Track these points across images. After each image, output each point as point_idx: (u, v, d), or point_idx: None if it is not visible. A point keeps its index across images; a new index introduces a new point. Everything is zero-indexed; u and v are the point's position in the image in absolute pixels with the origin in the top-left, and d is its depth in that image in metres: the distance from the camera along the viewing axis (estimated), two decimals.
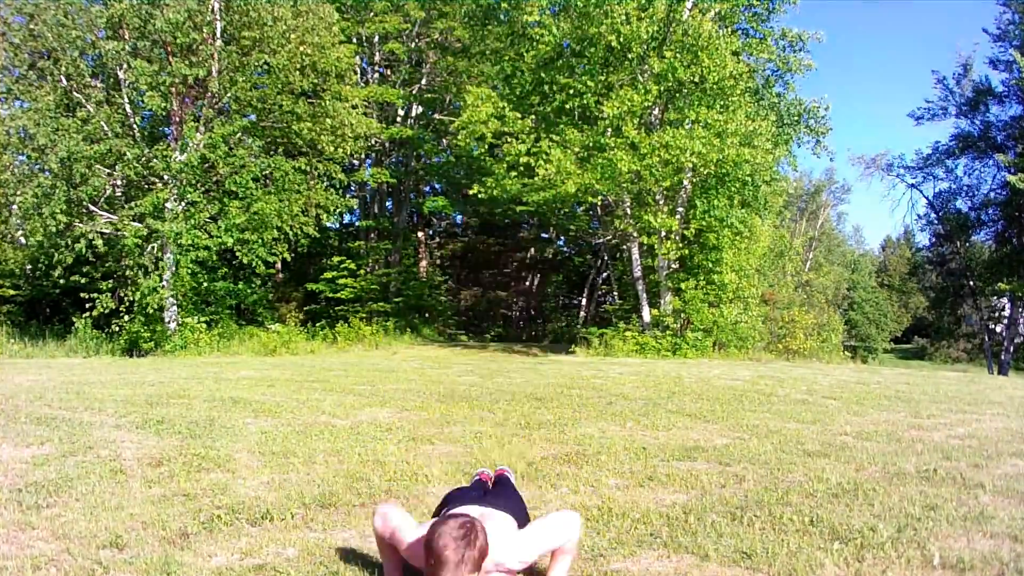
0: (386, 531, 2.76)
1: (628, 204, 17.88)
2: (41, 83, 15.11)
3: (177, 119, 16.14)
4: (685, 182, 17.12)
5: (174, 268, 15.39)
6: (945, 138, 33.44)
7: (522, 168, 17.47)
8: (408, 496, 3.87)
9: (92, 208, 15.39)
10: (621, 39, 15.85)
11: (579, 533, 2.76)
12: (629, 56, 16.45)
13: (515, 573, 2.68)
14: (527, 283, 32.56)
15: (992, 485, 4.01)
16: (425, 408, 6.72)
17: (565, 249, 32.36)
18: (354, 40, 22.29)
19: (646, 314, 17.70)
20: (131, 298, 15.40)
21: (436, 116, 25.44)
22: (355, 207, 23.39)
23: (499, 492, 3.29)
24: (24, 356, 14.32)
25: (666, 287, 17.60)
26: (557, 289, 33.20)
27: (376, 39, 23.64)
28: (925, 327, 48.92)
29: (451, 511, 2.61)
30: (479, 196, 18.98)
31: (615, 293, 26.69)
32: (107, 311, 15.35)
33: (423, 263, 27.18)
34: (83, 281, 15.90)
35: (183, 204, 15.72)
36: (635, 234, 17.71)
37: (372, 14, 22.14)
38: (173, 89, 15.69)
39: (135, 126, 16.11)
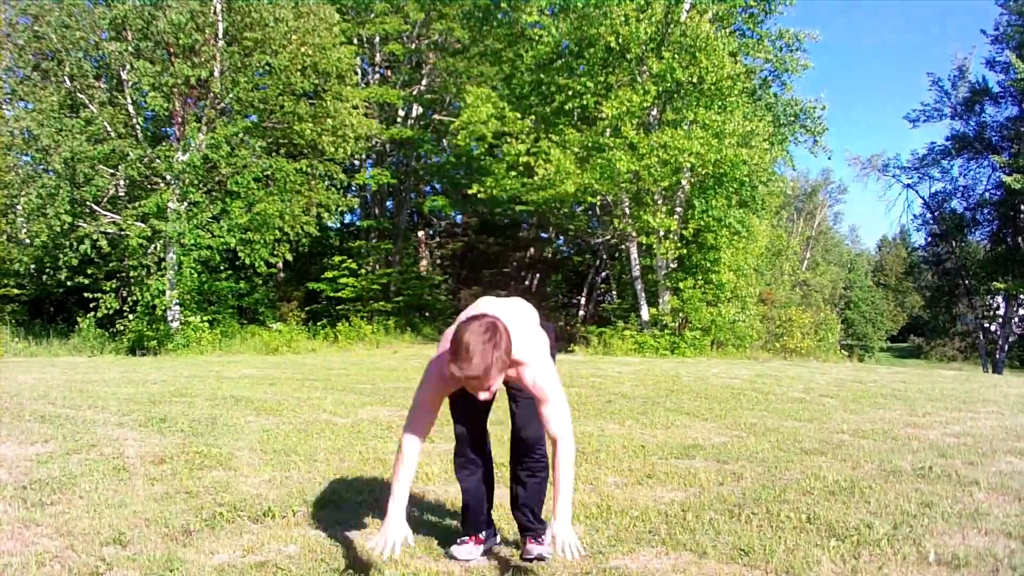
0: (422, 409, 2.71)
1: (627, 204, 17.92)
2: (45, 84, 15.14)
3: (179, 120, 16.18)
4: (683, 182, 17.16)
5: (177, 268, 15.42)
6: (941, 139, 33.50)
7: (522, 168, 17.52)
8: (412, 491, 3.89)
9: (96, 208, 15.41)
10: (620, 40, 15.89)
11: (572, 442, 2.70)
12: (628, 57, 16.49)
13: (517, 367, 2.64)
14: (527, 283, 32.57)
15: (987, 482, 4.04)
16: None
17: (564, 249, 32.37)
18: (355, 41, 22.30)
19: (645, 313, 17.73)
20: (135, 297, 15.43)
21: (436, 116, 25.46)
22: (356, 207, 23.41)
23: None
24: (28, 355, 14.34)
25: (664, 286, 17.63)
26: (556, 288, 33.21)
27: (376, 40, 23.65)
28: (921, 326, 48.95)
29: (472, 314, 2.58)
30: (479, 196, 19.01)
31: (614, 292, 26.71)
32: (111, 311, 15.38)
33: (423, 263, 27.21)
34: (87, 281, 15.93)
35: (186, 204, 15.75)
36: (634, 234, 17.75)
37: (372, 15, 22.15)
38: (176, 90, 15.72)
39: (138, 127, 16.15)
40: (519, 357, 2.60)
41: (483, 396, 2.54)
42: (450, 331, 2.61)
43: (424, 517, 3.54)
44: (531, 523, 3.01)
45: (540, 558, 2.91)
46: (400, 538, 2.61)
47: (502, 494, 3.21)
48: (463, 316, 2.65)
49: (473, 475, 3.01)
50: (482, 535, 3.06)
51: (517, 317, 2.74)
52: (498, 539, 3.17)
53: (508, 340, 2.45)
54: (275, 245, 16.88)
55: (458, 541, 3.02)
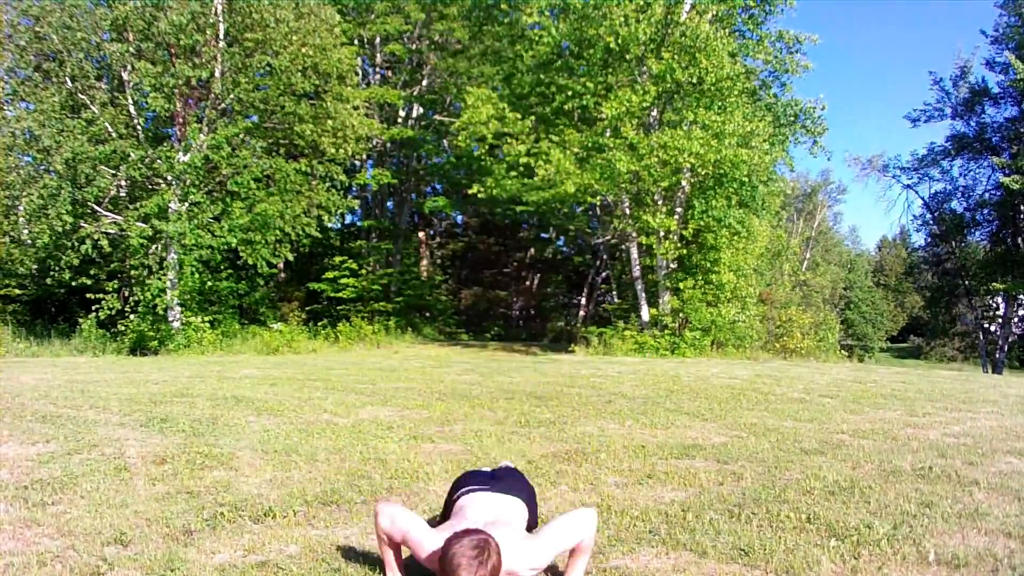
0: (395, 533, 2.77)
1: (627, 204, 17.92)
2: (46, 85, 15.15)
3: (181, 120, 16.20)
4: (683, 182, 17.16)
5: (178, 268, 15.43)
6: (941, 139, 33.48)
7: (522, 168, 17.53)
8: (409, 494, 3.91)
9: (97, 209, 15.43)
10: (620, 40, 15.89)
11: (594, 529, 2.77)
12: (627, 57, 16.49)
13: None
14: (527, 283, 32.60)
15: (986, 482, 4.05)
16: (426, 406, 6.76)
17: (564, 249, 32.40)
18: (355, 42, 22.32)
19: (645, 313, 17.73)
20: (136, 298, 15.44)
21: (437, 117, 25.48)
22: (357, 207, 23.44)
23: (504, 476, 3.31)
24: (30, 355, 14.35)
25: (664, 287, 17.64)
26: (556, 289, 33.23)
27: (377, 41, 23.67)
28: (921, 326, 48.97)
29: (465, 527, 2.63)
30: (479, 196, 19.02)
31: (614, 293, 26.73)
32: (113, 311, 15.39)
33: (424, 263, 27.22)
34: (89, 282, 15.94)
35: (187, 205, 15.76)
36: (634, 234, 17.75)
37: (373, 16, 22.17)
38: (177, 91, 15.74)
39: (139, 127, 16.16)
40: (513, 569, 2.63)
41: None
42: (442, 535, 2.65)
43: (425, 518, 3.54)
44: None
45: None
46: None
47: None
48: (456, 524, 2.73)
49: None
50: None
51: (507, 525, 2.78)
52: None
53: (498, 559, 2.51)
54: (276, 245, 16.88)
55: None
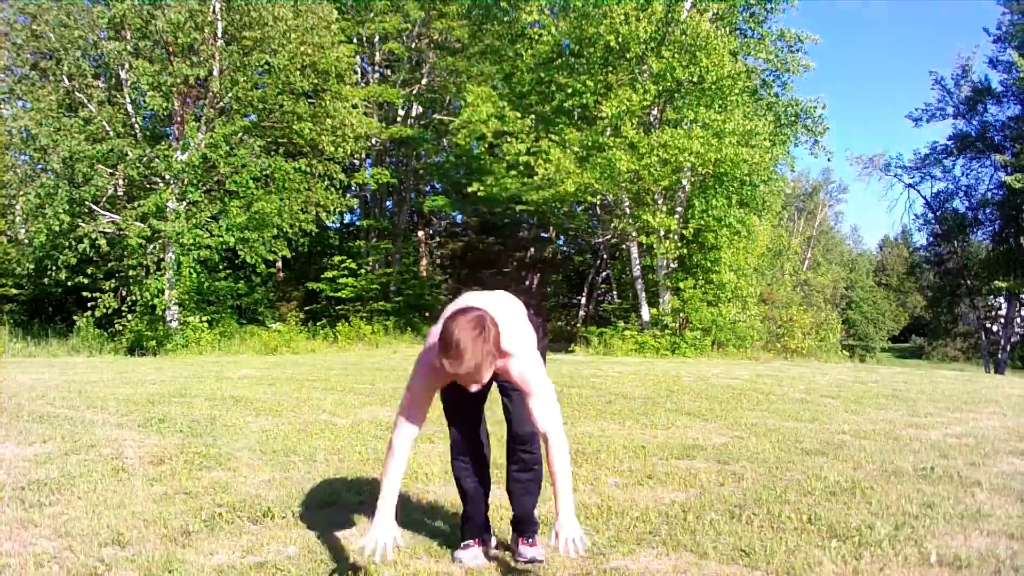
0: (415, 399, 2.70)
1: (627, 204, 17.91)
2: (43, 83, 15.14)
3: (179, 119, 16.16)
4: (684, 182, 17.16)
5: (176, 268, 15.41)
6: (943, 138, 33.48)
7: (522, 167, 17.52)
8: (408, 494, 3.89)
9: (95, 208, 15.40)
10: (620, 39, 15.88)
11: (564, 437, 2.67)
12: (628, 56, 16.48)
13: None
14: (527, 283, 32.57)
15: (989, 483, 4.04)
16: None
17: (565, 248, 32.38)
18: (354, 40, 22.29)
19: (645, 313, 17.72)
20: (134, 297, 15.42)
21: (436, 116, 25.45)
22: (355, 207, 23.40)
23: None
24: (27, 355, 14.34)
25: (665, 286, 17.63)
26: (556, 288, 33.21)
27: (376, 39, 23.64)
28: (922, 326, 48.95)
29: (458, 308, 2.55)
30: (479, 195, 19.00)
31: (614, 292, 26.70)
32: (110, 311, 15.37)
33: (423, 262, 27.19)
34: (86, 281, 15.92)
35: (185, 204, 15.74)
36: (634, 233, 17.74)
37: (372, 14, 22.14)
38: (175, 89, 15.70)
39: (137, 126, 16.14)
40: (506, 348, 2.58)
41: (474, 388, 2.53)
42: (437, 327, 2.59)
43: (424, 517, 3.53)
44: (525, 523, 3.00)
45: (533, 560, 2.90)
46: (390, 540, 2.56)
47: (494, 494, 3.19)
48: (449, 310, 2.63)
49: (471, 478, 3.00)
50: (484, 537, 3.05)
51: (503, 310, 2.71)
52: (494, 540, 3.17)
53: (496, 333, 2.44)
54: (273, 242, 16.85)
55: (462, 546, 3.00)
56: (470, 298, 2.81)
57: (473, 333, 2.37)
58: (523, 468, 2.96)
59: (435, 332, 2.61)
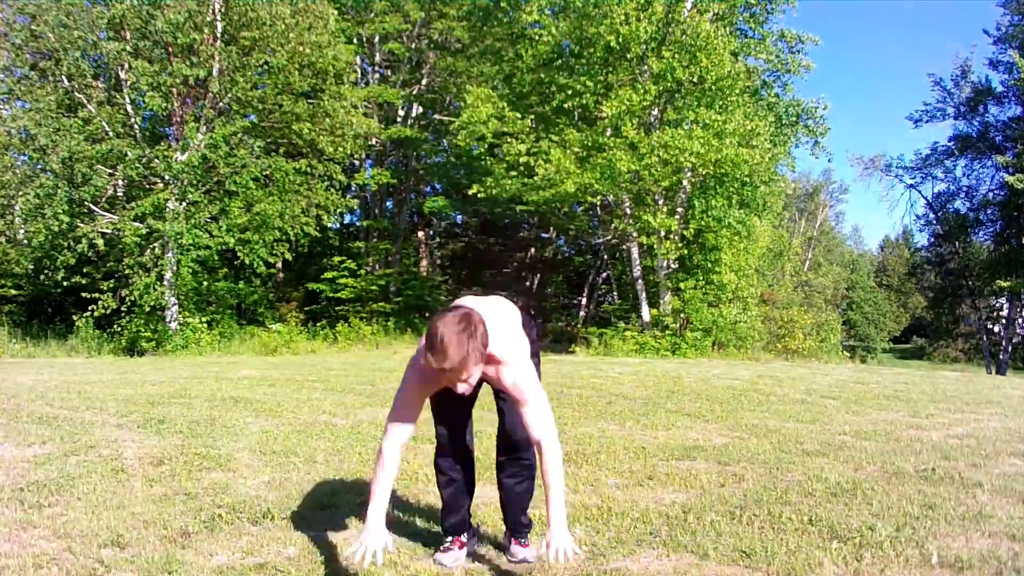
0: (402, 415, 2.68)
1: (627, 204, 17.90)
2: (43, 83, 15.13)
3: (178, 119, 16.15)
4: (684, 182, 17.15)
5: (175, 268, 15.40)
6: (944, 139, 33.46)
7: (522, 168, 17.50)
8: (408, 495, 3.88)
9: (94, 208, 15.40)
10: (620, 39, 15.87)
11: (558, 448, 2.63)
12: (628, 56, 16.47)
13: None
14: (527, 283, 32.55)
15: (990, 484, 4.03)
16: (425, 407, 6.72)
17: (565, 249, 32.37)
18: (354, 41, 22.28)
19: (645, 314, 17.71)
20: (133, 298, 15.42)
21: (436, 116, 25.43)
22: (356, 208, 23.40)
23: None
24: (26, 355, 14.33)
25: (665, 287, 17.62)
26: (557, 289, 33.20)
27: (376, 39, 23.63)
28: (924, 327, 48.95)
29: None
30: (479, 196, 18.98)
31: (615, 293, 26.71)
32: (108, 311, 15.36)
33: (423, 263, 27.17)
34: (85, 281, 15.91)
35: (184, 204, 15.73)
36: (634, 234, 17.73)
37: (372, 15, 22.13)
38: (174, 89, 15.70)
39: (136, 126, 16.13)
40: (497, 355, 2.56)
41: (461, 388, 2.49)
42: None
43: (424, 518, 3.52)
44: (517, 525, 3.00)
45: (525, 561, 2.91)
46: (380, 546, 2.53)
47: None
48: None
49: (454, 478, 2.99)
50: (463, 537, 3.03)
51: (496, 315, 2.68)
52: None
53: (484, 331, 2.41)
54: (274, 245, 16.85)
55: (442, 547, 2.99)
56: (463, 300, 2.80)
57: (457, 328, 2.34)
58: (517, 473, 2.95)
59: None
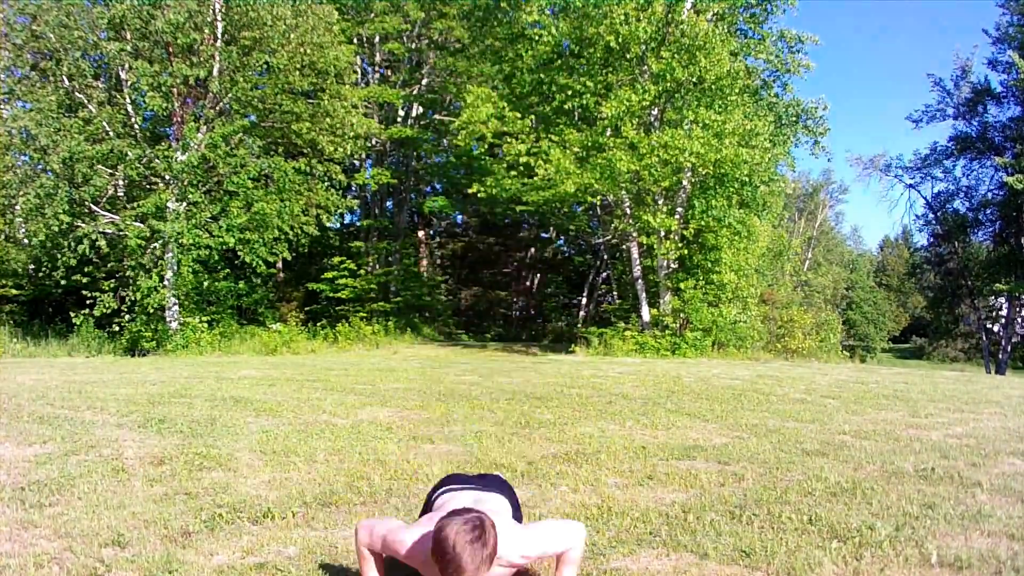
0: (376, 542, 2.65)
1: (627, 204, 17.89)
2: (43, 84, 15.14)
3: (178, 119, 16.17)
4: (684, 182, 17.13)
5: (176, 268, 15.40)
6: (943, 139, 33.45)
7: (522, 168, 17.49)
8: (408, 495, 3.88)
9: (94, 208, 15.40)
10: (620, 39, 15.86)
11: (583, 544, 2.69)
12: (628, 56, 16.46)
13: (514, 567, 2.61)
14: (527, 283, 32.56)
15: (989, 484, 4.03)
16: (425, 407, 6.73)
17: (565, 249, 32.38)
18: (355, 41, 22.29)
19: (645, 314, 17.71)
20: (133, 298, 15.42)
21: (436, 116, 25.45)
22: (356, 207, 23.42)
23: (490, 480, 3.22)
24: (27, 355, 14.34)
25: (665, 287, 17.61)
26: (557, 289, 33.21)
27: (376, 40, 23.64)
28: (923, 327, 48.95)
29: (452, 509, 2.51)
30: (479, 196, 18.98)
31: (615, 293, 26.72)
32: (109, 311, 15.37)
33: (423, 263, 27.19)
34: (85, 281, 15.92)
35: (184, 204, 15.73)
36: (634, 234, 17.72)
37: (372, 15, 22.15)
38: (174, 89, 15.72)
39: (136, 126, 16.14)
40: (506, 558, 2.52)
41: None
42: (422, 528, 2.54)
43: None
44: None
45: None
46: None
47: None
48: (441, 507, 2.65)
49: None
50: None
51: (496, 512, 2.66)
52: None
53: (495, 536, 2.37)
54: (274, 244, 16.85)
55: None
56: (464, 498, 2.79)
57: (470, 537, 2.29)
58: None
59: (422, 523, 2.61)
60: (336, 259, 23.09)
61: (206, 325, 15.94)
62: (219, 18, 15.77)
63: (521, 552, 2.58)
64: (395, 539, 2.61)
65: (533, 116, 18.54)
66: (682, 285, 16.98)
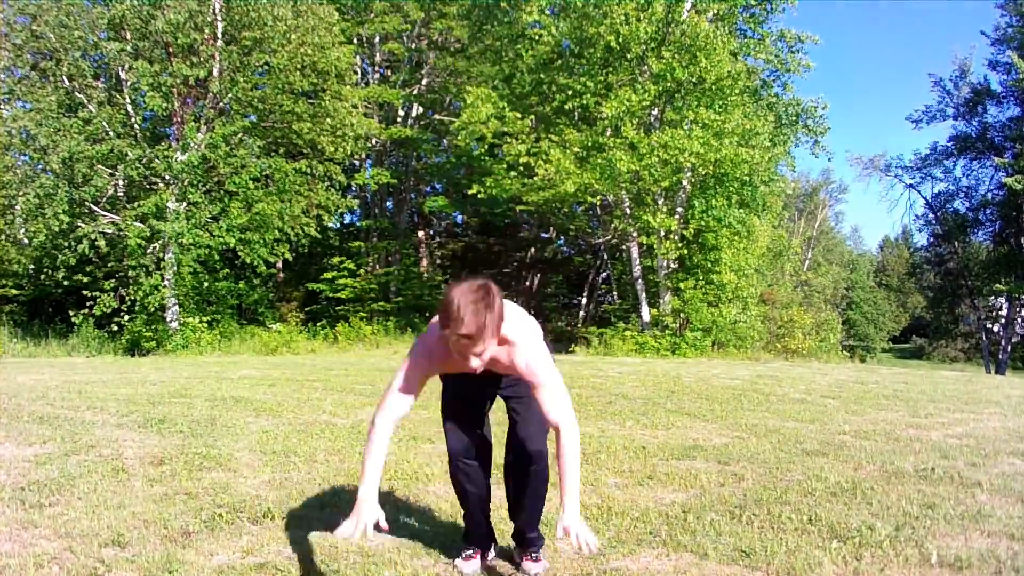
0: (392, 391, 2.62)
1: (627, 204, 17.90)
2: (43, 84, 15.14)
3: (178, 119, 16.17)
4: (684, 182, 17.14)
5: (176, 268, 15.40)
6: (943, 139, 33.47)
7: (522, 168, 17.50)
8: (408, 495, 3.88)
9: (94, 208, 15.40)
10: (620, 39, 15.87)
11: (576, 425, 2.55)
12: (628, 56, 16.48)
13: (512, 364, 2.53)
14: (527, 283, 32.54)
15: (989, 484, 4.03)
16: (425, 407, 6.71)
17: (565, 249, 32.36)
18: (355, 41, 22.28)
19: (645, 314, 17.71)
20: (133, 297, 15.42)
21: (436, 116, 25.43)
22: (356, 207, 23.42)
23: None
24: (27, 355, 14.34)
25: (665, 287, 17.61)
26: (557, 289, 33.20)
27: (376, 40, 23.64)
28: (923, 327, 48.96)
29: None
30: (479, 196, 18.98)
31: (614, 293, 26.71)
32: (109, 311, 15.37)
33: (423, 263, 27.17)
34: (85, 280, 15.91)
35: (185, 204, 15.73)
36: (634, 234, 17.73)
37: (372, 15, 22.14)
38: (174, 90, 15.71)
39: (137, 126, 16.14)
40: (510, 336, 2.49)
41: (475, 363, 2.36)
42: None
43: (424, 518, 3.52)
44: (529, 538, 2.92)
45: None
46: (371, 520, 2.40)
47: (498, 495, 3.17)
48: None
49: (474, 485, 2.87)
50: (489, 552, 3.00)
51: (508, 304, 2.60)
52: (494, 551, 3.07)
53: (501, 304, 2.31)
54: (274, 245, 16.85)
55: (464, 555, 2.92)
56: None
57: (474, 296, 2.26)
58: (532, 487, 2.83)
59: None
60: (336, 259, 23.08)
61: (206, 325, 15.93)
62: (219, 18, 15.77)
63: (528, 340, 2.54)
64: (408, 366, 2.60)
65: (533, 116, 18.55)
66: (682, 285, 16.99)
